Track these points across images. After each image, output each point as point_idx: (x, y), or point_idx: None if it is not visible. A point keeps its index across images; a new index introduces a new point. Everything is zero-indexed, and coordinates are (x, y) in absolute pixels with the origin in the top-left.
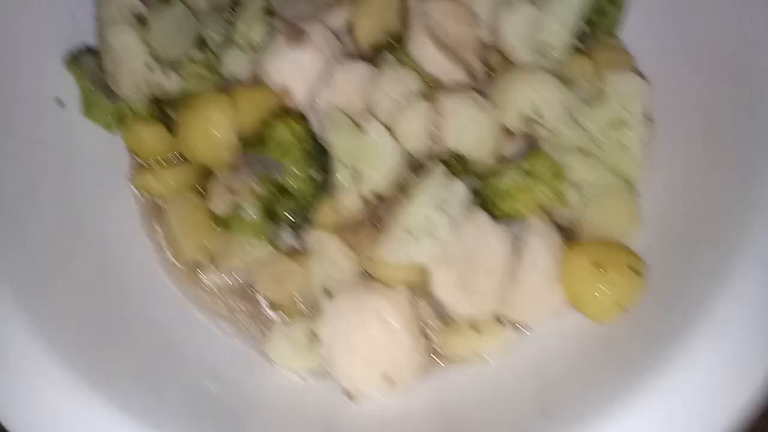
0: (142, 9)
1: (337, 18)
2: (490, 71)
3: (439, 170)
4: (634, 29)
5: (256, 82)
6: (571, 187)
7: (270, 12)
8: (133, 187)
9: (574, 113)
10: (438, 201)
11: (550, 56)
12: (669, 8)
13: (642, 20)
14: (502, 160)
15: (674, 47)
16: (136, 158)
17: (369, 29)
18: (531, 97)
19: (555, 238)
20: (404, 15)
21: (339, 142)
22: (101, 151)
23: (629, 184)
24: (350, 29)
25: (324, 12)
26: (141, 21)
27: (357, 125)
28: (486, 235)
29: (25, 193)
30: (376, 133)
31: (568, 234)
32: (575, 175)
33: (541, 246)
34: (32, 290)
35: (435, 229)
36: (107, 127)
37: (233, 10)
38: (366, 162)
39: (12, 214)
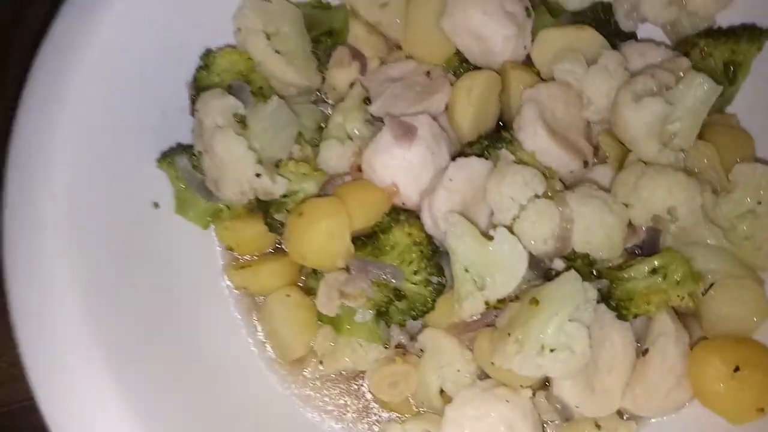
0: (243, 110)
1: (440, 104)
2: (597, 151)
3: (573, 278)
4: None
5: (356, 175)
6: (702, 281)
7: (367, 100)
8: (229, 283)
9: (707, 211)
10: (572, 311)
11: (676, 148)
12: None
13: (753, 96)
14: (624, 254)
15: None
16: (232, 253)
17: (472, 118)
18: (665, 198)
19: (684, 335)
20: (508, 98)
21: (461, 249)
22: (195, 247)
23: (757, 275)
24: (452, 116)
25: (426, 99)
26: (242, 122)
27: (480, 232)
28: (611, 334)
29: (127, 294)
30: (502, 241)
31: (691, 324)
32: (701, 265)
33: (670, 344)
34: (137, 388)
35: (572, 342)
36: (201, 224)
37: (325, 98)
38: (491, 270)
39: (117, 318)
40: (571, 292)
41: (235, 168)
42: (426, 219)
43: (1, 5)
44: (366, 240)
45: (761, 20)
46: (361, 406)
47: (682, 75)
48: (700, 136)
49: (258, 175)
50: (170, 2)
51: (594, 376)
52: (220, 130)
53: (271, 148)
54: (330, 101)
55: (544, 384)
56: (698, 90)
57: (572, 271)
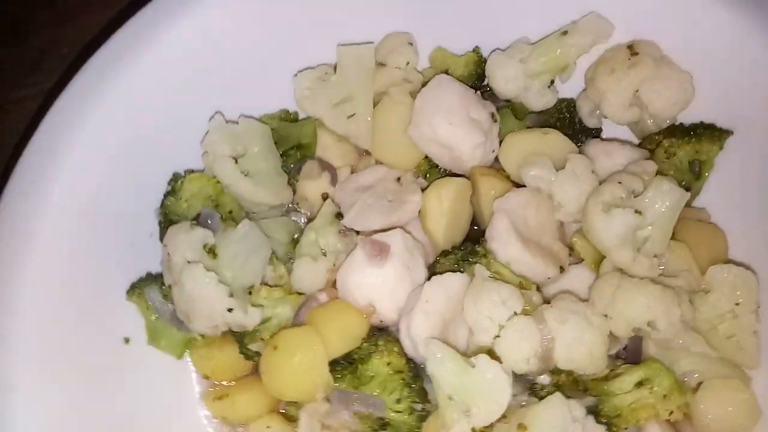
0: (212, 239)
1: (411, 213)
2: (572, 251)
3: (558, 402)
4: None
5: (332, 292)
6: (689, 393)
7: (339, 215)
8: (207, 413)
9: (686, 320)
10: (561, 430)
11: (649, 254)
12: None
13: (722, 186)
14: (609, 362)
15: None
16: (208, 380)
17: (445, 226)
18: (643, 313)
19: None
20: (479, 202)
21: (444, 375)
22: (171, 376)
23: (744, 374)
24: (425, 224)
25: (399, 209)
26: (211, 252)
27: (461, 354)
28: None
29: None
30: (485, 370)
31: (685, 428)
32: (686, 367)
33: None
34: None
35: None
36: (175, 354)
37: (297, 208)
38: (475, 397)
39: None
40: (558, 416)
41: (206, 303)
42: (405, 341)
43: None
44: (346, 365)
45: (720, 119)
46: None
47: (647, 179)
48: (673, 236)
49: (230, 310)
50: (139, 126)
51: None
52: (188, 266)
53: (242, 274)
54: (302, 211)
55: None
56: (666, 197)
57: (557, 395)
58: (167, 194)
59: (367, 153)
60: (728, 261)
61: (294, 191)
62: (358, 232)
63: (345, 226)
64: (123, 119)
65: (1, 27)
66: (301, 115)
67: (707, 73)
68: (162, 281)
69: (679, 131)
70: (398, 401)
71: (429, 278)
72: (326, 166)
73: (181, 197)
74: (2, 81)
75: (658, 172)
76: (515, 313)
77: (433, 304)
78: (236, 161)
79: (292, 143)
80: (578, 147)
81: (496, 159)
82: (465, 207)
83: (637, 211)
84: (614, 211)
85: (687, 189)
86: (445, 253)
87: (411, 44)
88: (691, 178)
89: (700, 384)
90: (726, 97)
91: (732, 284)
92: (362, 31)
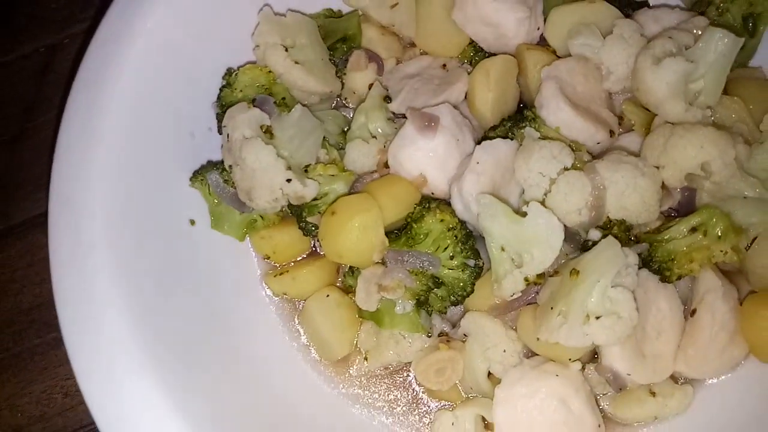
0: (268, 121)
1: (459, 93)
2: (622, 120)
3: (611, 243)
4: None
5: (384, 172)
6: (744, 234)
7: (387, 98)
8: (268, 290)
9: (741, 162)
10: (614, 277)
11: (702, 106)
12: None
13: None
14: (661, 217)
15: None
16: (269, 261)
17: (493, 102)
18: (697, 154)
19: (732, 291)
20: (526, 80)
21: (496, 228)
22: (233, 259)
23: None
24: (473, 103)
25: (446, 90)
26: (268, 132)
27: (512, 209)
28: (656, 299)
29: (170, 311)
30: (537, 216)
31: (738, 280)
32: (742, 219)
33: (718, 300)
34: (187, 399)
35: (617, 307)
36: (238, 237)
37: (346, 102)
38: (528, 246)
39: (164, 335)
40: (611, 257)
41: (266, 176)
42: (457, 204)
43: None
44: (400, 233)
45: None
46: (410, 398)
47: (700, 33)
48: (726, 92)
49: (289, 181)
50: (192, 30)
51: (643, 342)
52: (248, 142)
53: (298, 154)
54: (351, 105)
55: (593, 357)
56: (719, 44)
57: (609, 238)
58: (222, 87)
59: (412, 45)
60: None
61: (343, 85)
62: (406, 118)
63: (393, 113)
64: (176, 21)
65: None
66: (345, 11)
67: None
68: (222, 167)
69: None
70: (451, 258)
71: None
72: (373, 56)
73: (236, 88)
74: (58, 18)
75: (712, 25)
76: (565, 168)
77: (483, 166)
78: (286, 50)
79: (338, 36)
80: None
81: (542, 39)
82: (511, 85)
83: (688, 60)
84: (665, 61)
85: (741, 46)
86: (494, 127)
87: None
88: (746, 35)
89: (755, 239)
90: None
91: None
92: None
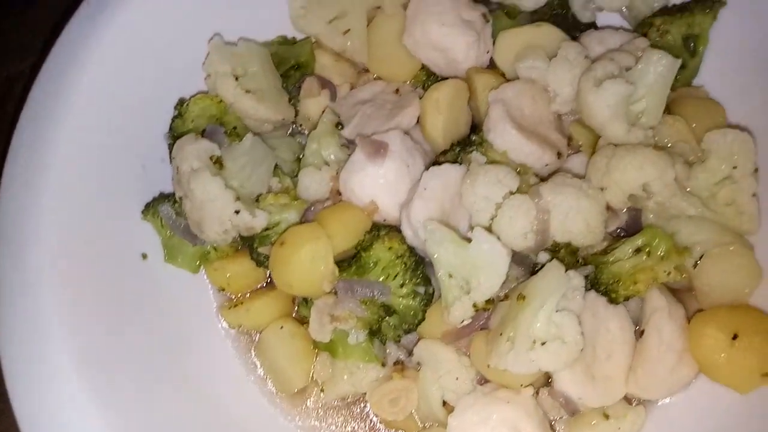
0: (218, 151)
1: (411, 118)
2: (570, 141)
3: (555, 267)
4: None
5: (337, 199)
6: (687, 254)
7: (339, 124)
8: (224, 323)
9: (681, 182)
10: (559, 301)
11: (644, 126)
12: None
13: (717, 64)
14: (608, 238)
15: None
16: (225, 293)
17: (443, 126)
18: (637, 175)
19: (678, 309)
20: (477, 104)
21: (443, 255)
22: (188, 292)
23: (744, 239)
24: (424, 127)
25: (397, 115)
26: (218, 163)
27: (460, 235)
28: (606, 320)
29: (122, 348)
30: (481, 241)
31: (687, 299)
32: (687, 238)
33: (664, 321)
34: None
35: (563, 332)
36: (191, 269)
37: (301, 129)
38: (474, 272)
39: (115, 374)
40: (555, 281)
41: (215, 208)
42: (406, 230)
43: None
44: (351, 261)
45: None
46: (367, 429)
47: (640, 55)
48: (670, 111)
49: (237, 212)
50: (143, 59)
51: (593, 364)
52: (196, 173)
53: (249, 184)
54: (306, 132)
55: (548, 381)
56: (657, 66)
57: (554, 261)
58: (174, 118)
59: (366, 71)
60: None
61: (297, 112)
62: None
63: (346, 138)
64: (127, 51)
65: None
66: (299, 37)
67: None
68: (174, 199)
69: (670, 10)
70: (402, 285)
71: None
72: (325, 83)
73: (187, 118)
74: (18, 48)
75: (652, 47)
76: (511, 192)
77: (431, 191)
78: (237, 80)
79: (291, 63)
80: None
81: (492, 62)
82: (462, 109)
83: (628, 82)
84: (605, 84)
85: (682, 67)
86: (444, 152)
87: None
88: (687, 55)
89: (701, 257)
90: None
91: (728, 148)
92: None
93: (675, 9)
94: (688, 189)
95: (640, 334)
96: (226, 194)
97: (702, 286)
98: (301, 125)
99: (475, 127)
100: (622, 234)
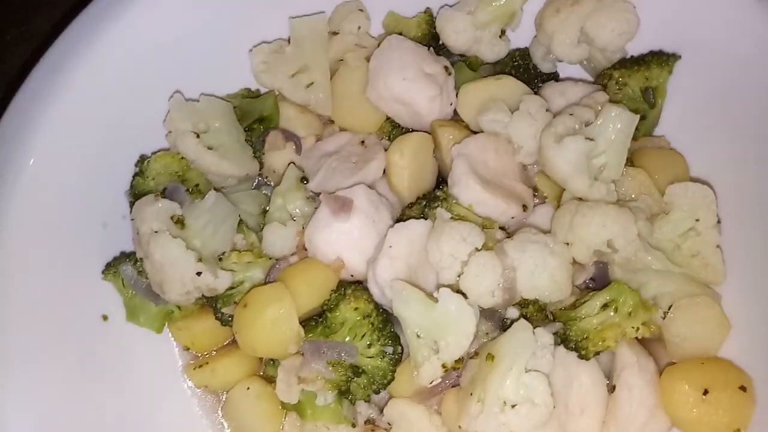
0: (179, 210)
1: (376, 171)
2: (536, 192)
3: (523, 327)
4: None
5: (303, 254)
6: (654, 310)
7: (304, 179)
8: (190, 384)
9: (645, 237)
10: (528, 361)
11: (606, 180)
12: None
13: (677, 114)
14: (576, 291)
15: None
16: (190, 351)
17: (408, 179)
18: (599, 232)
19: (648, 363)
20: (442, 155)
21: (410, 315)
22: (152, 351)
23: (711, 290)
24: (390, 180)
25: (362, 169)
26: (179, 222)
27: (426, 294)
28: (577, 375)
29: (85, 411)
30: (447, 302)
31: (658, 349)
32: (654, 290)
33: (634, 376)
34: None
35: (532, 394)
36: (155, 329)
37: (266, 181)
38: (442, 332)
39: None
40: (523, 341)
41: (176, 270)
42: (373, 288)
43: None
44: (317, 321)
45: (667, 45)
46: None
47: (600, 109)
48: (632, 162)
49: (199, 274)
50: (103, 115)
51: (567, 421)
52: (155, 236)
53: (212, 242)
54: (272, 184)
55: None
56: (616, 121)
57: (521, 321)
58: (135, 175)
59: (331, 121)
60: None
61: (262, 165)
62: None
63: (312, 192)
64: (87, 106)
65: None
66: (262, 91)
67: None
68: (135, 258)
69: (628, 62)
70: (369, 346)
71: None
72: (290, 136)
73: (148, 176)
74: None
75: (610, 101)
76: (476, 249)
77: (397, 248)
78: (198, 136)
79: (255, 117)
80: (534, 92)
81: (456, 113)
82: (428, 161)
83: (588, 138)
84: (566, 140)
85: (642, 118)
86: (410, 205)
87: (362, 10)
88: (646, 107)
89: (670, 308)
90: (672, 22)
91: (691, 201)
92: (314, 3)
93: (633, 61)
94: (652, 243)
95: (612, 388)
96: (188, 256)
97: (672, 337)
98: (266, 177)
99: (441, 178)
100: (591, 285)
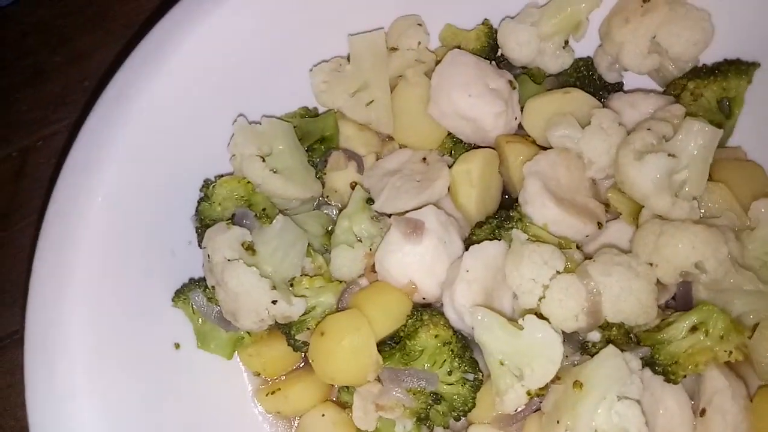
0: (249, 237)
1: (441, 189)
2: (608, 208)
3: (613, 354)
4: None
5: (372, 276)
6: (747, 332)
7: (369, 200)
8: (261, 409)
9: (735, 258)
10: (619, 388)
11: (689, 197)
12: None
13: (753, 122)
14: (659, 312)
15: None
16: (260, 377)
17: (477, 199)
18: (689, 254)
19: (740, 388)
20: (508, 171)
21: (493, 342)
22: (222, 377)
23: None
24: (456, 199)
25: (428, 188)
26: (250, 249)
27: (508, 319)
28: (663, 398)
29: None
30: (534, 330)
31: (747, 370)
32: (741, 309)
33: (728, 403)
34: None
35: (627, 423)
36: (225, 355)
37: (327, 201)
38: (527, 359)
39: None
40: (614, 369)
41: (251, 299)
42: (450, 314)
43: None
44: (394, 345)
45: (744, 54)
46: None
47: (677, 122)
48: (710, 176)
49: (274, 302)
50: (166, 142)
51: None
52: (229, 264)
53: (283, 268)
54: (333, 203)
55: None
56: (698, 137)
57: (611, 347)
58: (200, 200)
59: (390, 138)
60: None
61: (323, 184)
62: (390, 216)
63: (377, 212)
64: (151, 135)
65: (23, 70)
66: (321, 110)
67: (725, 7)
68: (205, 285)
69: (703, 72)
70: (449, 373)
71: (466, 250)
72: (351, 155)
73: (215, 201)
74: (30, 121)
75: (687, 115)
76: (558, 272)
77: (473, 272)
78: (263, 160)
79: (316, 137)
80: (601, 103)
81: (521, 126)
82: (494, 177)
83: (670, 155)
84: (647, 157)
85: (718, 126)
86: (479, 225)
87: (420, 25)
88: (722, 117)
89: (756, 325)
90: (748, 29)
91: None
92: (371, 19)
93: (708, 71)
94: (741, 264)
95: (700, 413)
96: (262, 284)
97: (761, 357)
98: (327, 197)
99: (507, 193)
100: (672, 305)
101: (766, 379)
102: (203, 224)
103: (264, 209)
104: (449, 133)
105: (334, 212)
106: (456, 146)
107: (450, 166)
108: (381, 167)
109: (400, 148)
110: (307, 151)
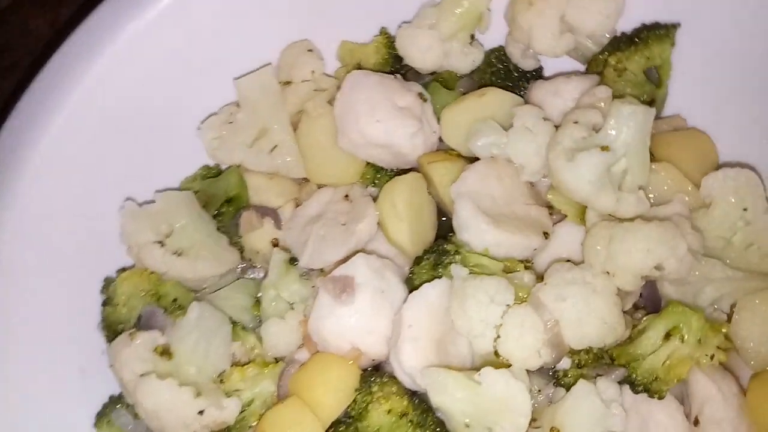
0: (160, 339)
1: (369, 229)
2: (552, 209)
3: (586, 392)
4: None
5: (311, 345)
6: (725, 327)
7: (293, 260)
8: None
9: (697, 250)
10: (601, 427)
11: (633, 188)
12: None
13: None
14: (628, 321)
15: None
16: None
17: (408, 231)
18: (645, 258)
19: (731, 387)
20: (437, 191)
21: (452, 404)
22: None
23: None
24: (387, 236)
25: (354, 233)
26: (165, 353)
27: (464, 375)
28: (651, 414)
29: None
30: (493, 383)
31: (733, 360)
32: (711, 296)
33: (720, 412)
34: None
35: None
36: None
37: (251, 264)
38: (494, 417)
39: None
40: (589, 408)
41: (174, 415)
42: (402, 377)
43: None
44: (347, 423)
45: (661, 16)
46: None
47: (605, 106)
48: (652, 158)
49: (201, 412)
50: (59, 241)
51: None
52: (141, 380)
53: (208, 363)
54: (258, 265)
55: None
56: (630, 120)
57: (580, 384)
58: (104, 304)
59: (306, 180)
60: (720, 166)
61: (242, 250)
62: (322, 270)
63: (305, 268)
64: (38, 236)
65: None
66: (223, 167)
67: None
68: (127, 402)
69: (623, 42)
70: None
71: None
72: (264, 211)
73: (118, 303)
74: None
75: (614, 95)
76: (508, 306)
77: (417, 327)
78: (162, 244)
79: (221, 200)
80: (523, 96)
81: (441, 140)
82: (425, 202)
83: (603, 148)
84: (579, 157)
85: (650, 103)
86: (417, 261)
87: (311, 50)
88: (652, 88)
89: (733, 308)
90: None
91: (733, 189)
92: (256, 55)
93: (628, 40)
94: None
95: (693, 422)
96: (183, 395)
97: (744, 343)
98: (250, 260)
99: (444, 218)
100: (641, 305)
101: (756, 366)
102: (112, 331)
103: (175, 299)
104: (368, 163)
105: (261, 275)
106: (379, 175)
107: (376, 199)
108: (301, 215)
109: (319, 188)
110: (215, 216)
